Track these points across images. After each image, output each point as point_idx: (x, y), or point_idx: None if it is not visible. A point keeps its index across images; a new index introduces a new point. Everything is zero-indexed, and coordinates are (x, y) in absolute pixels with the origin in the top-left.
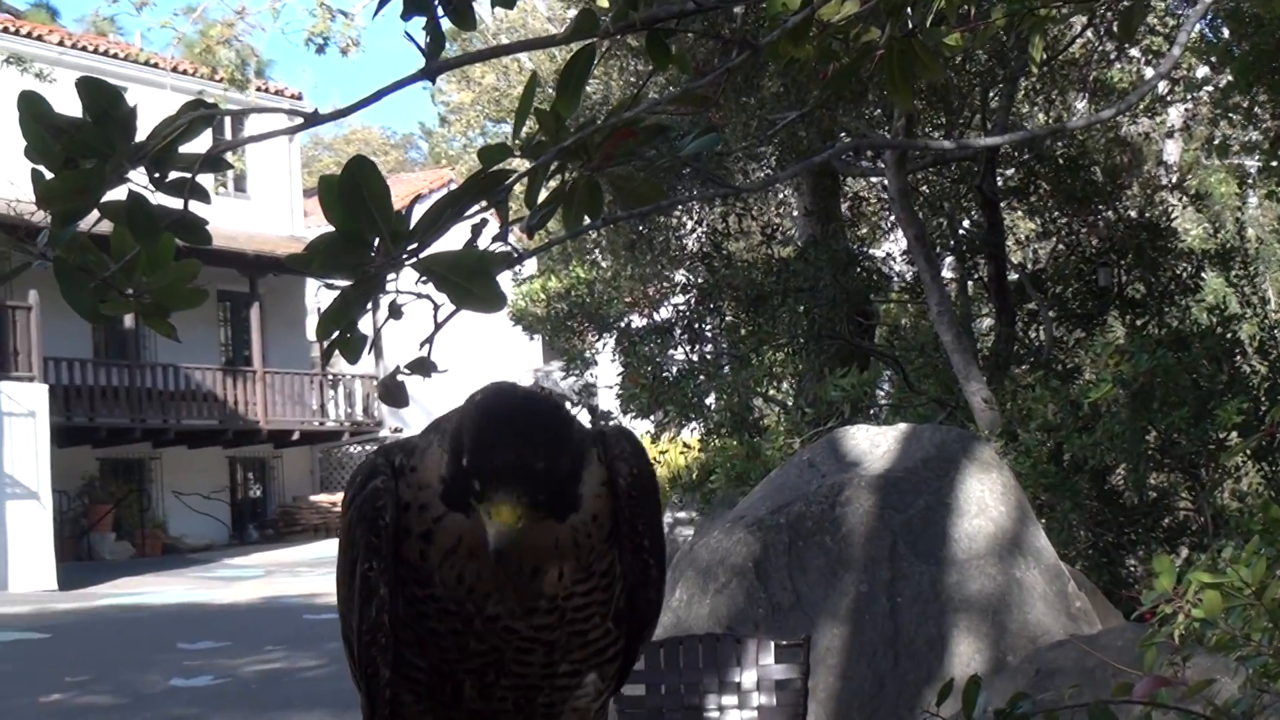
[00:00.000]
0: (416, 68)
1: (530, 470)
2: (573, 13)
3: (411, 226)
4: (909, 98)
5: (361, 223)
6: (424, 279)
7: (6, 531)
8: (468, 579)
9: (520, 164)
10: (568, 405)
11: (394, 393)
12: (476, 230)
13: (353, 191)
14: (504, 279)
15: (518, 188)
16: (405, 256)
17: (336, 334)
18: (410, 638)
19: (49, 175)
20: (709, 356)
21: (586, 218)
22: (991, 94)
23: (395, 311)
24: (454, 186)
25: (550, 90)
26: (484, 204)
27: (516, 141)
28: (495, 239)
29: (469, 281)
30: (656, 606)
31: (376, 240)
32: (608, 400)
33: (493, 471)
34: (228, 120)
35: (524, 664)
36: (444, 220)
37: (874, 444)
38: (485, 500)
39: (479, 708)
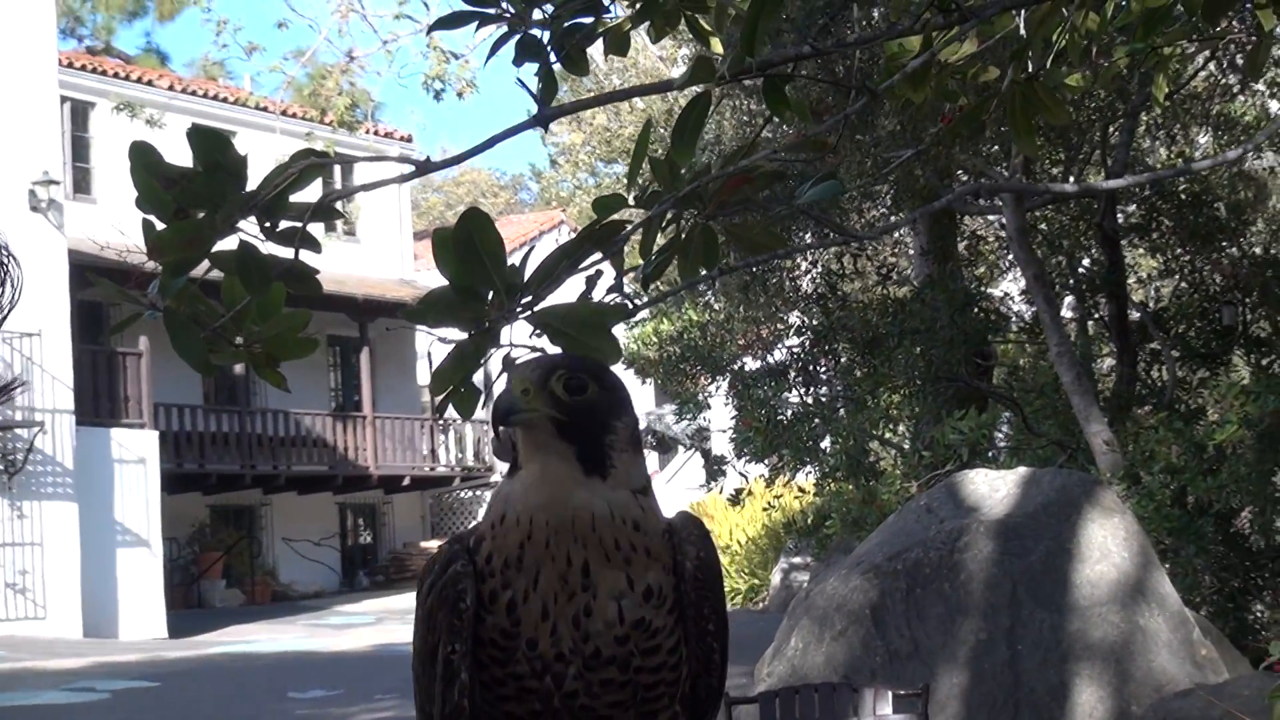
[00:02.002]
0: (528, 110)
1: (548, 360)
2: (685, 51)
3: (526, 278)
4: (1032, 141)
5: (475, 276)
6: (538, 332)
7: (117, 579)
8: (540, 591)
9: (636, 213)
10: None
11: (509, 447)
12: (591, 282)
13: (466, 245)
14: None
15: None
16: (520, 310)
17: (450, 389)
18: None
19: (160, 226)
20: (824, 399)
21: (703, 268)
22: (1112, 130)
23: (509, 365)
24: (564, 229)
25: (665, 133)
26: (599, 256)
27: (632, 191)
28: (610, 290)
29: (584, 335)
30: (718, 695)
31: (490, 294)
32: (721, 445)
33: (515, 368)
34: (337, 167)
35: None
36: (559, 273)
37: (993, 488)
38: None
39: None
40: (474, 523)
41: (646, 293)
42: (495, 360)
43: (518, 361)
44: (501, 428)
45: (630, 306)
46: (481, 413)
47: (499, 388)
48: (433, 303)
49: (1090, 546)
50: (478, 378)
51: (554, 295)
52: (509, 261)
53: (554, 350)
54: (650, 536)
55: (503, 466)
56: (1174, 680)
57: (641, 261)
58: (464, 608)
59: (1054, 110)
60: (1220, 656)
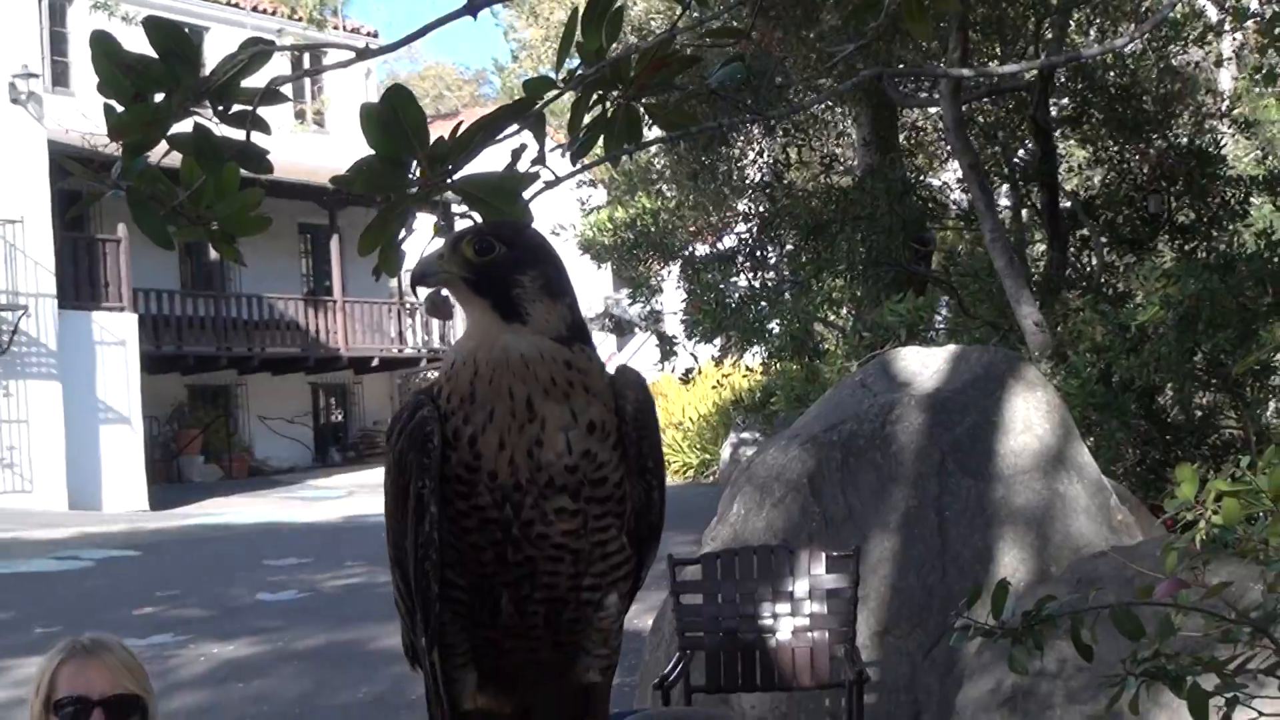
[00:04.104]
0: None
1: (466, 229)
2: None
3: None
4: (927, 29)
5: (399, 147)
6: (462, 200)
7: (100, 454)
8: (495, 425)
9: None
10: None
11: (439, 306)
12: (516, 155)
13: (391, 118)
14: (567, 201)
15: (563, 113)
16: (439, 179)
17: (378, 249)
18: (453, 557)
19: (120, 109)
20: (770, 283)
21: (626, 143)
22: (1045, 24)
23: (440, 230)
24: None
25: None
26: (514, 127)
27: (561, 74)
28: (534, 162)
29: (498, 200)
30: (658, 531)
31: (414, 163)
32: (673, 326)
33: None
34: (307, 58)
35: (554, 574)
36: (475, 144)
37: (924, 365)
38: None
39: (514, 623)
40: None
41: (574, 165)
42: (424, 226)
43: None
44: (424, 289)
45: (553, 176)
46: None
47: (427, 251)
48: (361, 170)
49: (1014, 419)
50: (414, 246)
51: (485, 168)
52: (433, 133)
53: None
54: (587, 375)
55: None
56: (1091, 543)
57: (569, 138)
58: (432, 447)
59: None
60: (1137, 522)
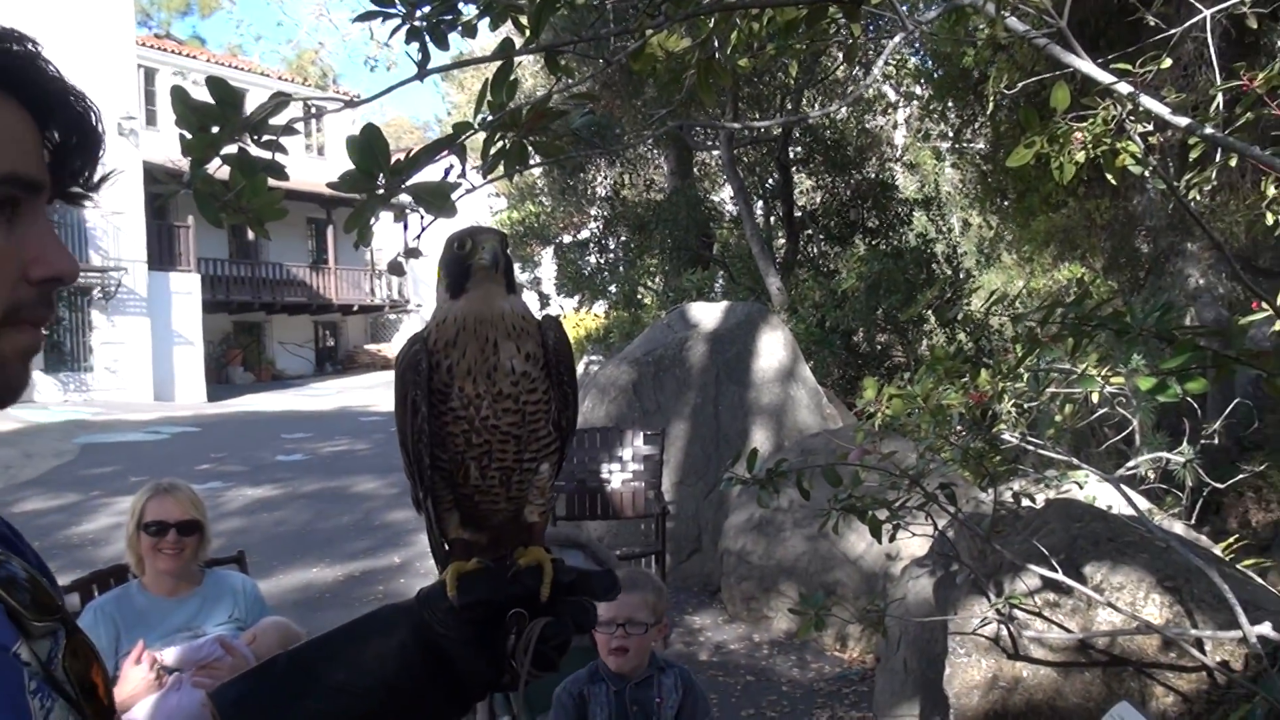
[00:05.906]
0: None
1: (499, 234)
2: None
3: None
4: (712, 98)
5: (371, 163)
6: (411, 199)
7: (174, 365)
8: (466, 359)
9: (481, 133)
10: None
11: (396, 268)
12: (447, 171)
13: (366, 144)
14: (480, 207)
15: (477, 147)
16: (398, 184)
17: (357, 228)
18: (437, 440)
19: (190, 137)
20: (610, 261)
21: (518, 165)
22: (786, 99)
23: (399, 217)
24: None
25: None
26: (445, 153)
27: (477, 118)
28: (459, 176)
29: (436, 199)
30: (573, 423)
31: (381, 174)
32: (549, 287)
33: (480, 233)
34: (301, 104)
35: (503, 452)
36: (420, 163)
37: (707, 314)
38: (477, 248)
39: (480, 484)
40: (399, 334)
41: (484, 178)
42: (385, 216)
43: (482, 230)
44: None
45: (470, 185)
46: (377, 253)
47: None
48: (346, 178)
49: (763, 348)
50: (380, 229)
51: (427, 178)
52: (393, 156)
53: (419, 209)
54: (529, 322)
55: (412, 296)
56: (810, 427)
57: (482, 161)
58: (422, 368)
59: (722, 77)
60: (840, 414)
